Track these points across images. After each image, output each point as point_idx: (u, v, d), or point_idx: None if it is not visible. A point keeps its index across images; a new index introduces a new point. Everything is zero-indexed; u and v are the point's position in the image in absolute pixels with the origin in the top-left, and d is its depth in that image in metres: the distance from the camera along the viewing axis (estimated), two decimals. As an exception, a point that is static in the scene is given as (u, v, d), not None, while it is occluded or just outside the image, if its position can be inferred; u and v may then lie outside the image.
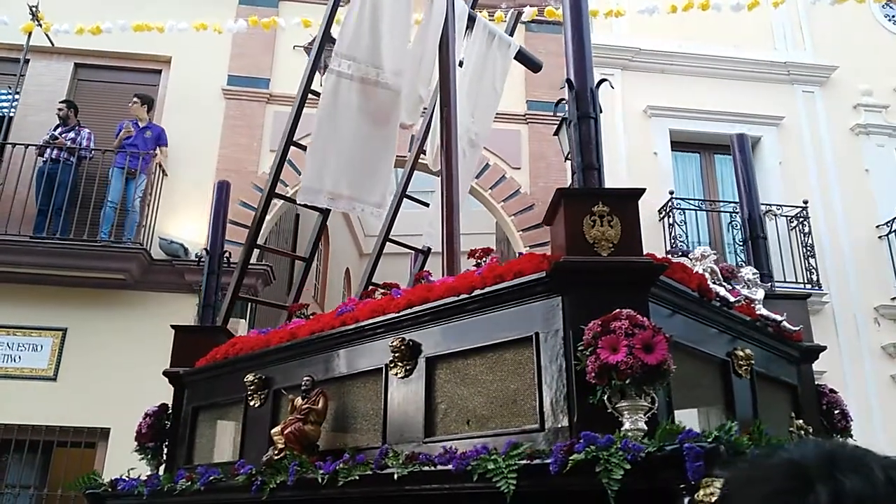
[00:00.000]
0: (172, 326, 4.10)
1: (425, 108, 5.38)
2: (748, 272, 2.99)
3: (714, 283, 2.62)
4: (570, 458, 1.77)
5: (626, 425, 1.96)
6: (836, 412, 3.28)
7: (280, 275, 8.15)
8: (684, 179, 8.52)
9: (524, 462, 1.89)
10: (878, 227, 8.10)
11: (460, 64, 4.89)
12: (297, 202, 4.16)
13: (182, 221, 7.70)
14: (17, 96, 7.89)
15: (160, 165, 7.75)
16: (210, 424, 3.80)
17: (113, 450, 6.58)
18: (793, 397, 3.17)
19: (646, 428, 1.95)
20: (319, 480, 2.44)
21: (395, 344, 2.68)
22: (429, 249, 5.59)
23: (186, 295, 7.29)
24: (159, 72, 8.57)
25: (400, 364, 2.68)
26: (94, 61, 8.52)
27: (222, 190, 4.48)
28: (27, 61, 7.97)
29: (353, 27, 4.07)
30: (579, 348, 2.09)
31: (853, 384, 6.77)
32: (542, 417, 2.19)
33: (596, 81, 2.57)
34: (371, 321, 2.86)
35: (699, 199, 8.26)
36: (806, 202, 7.76)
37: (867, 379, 6.90)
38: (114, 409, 6.56)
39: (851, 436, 3.26)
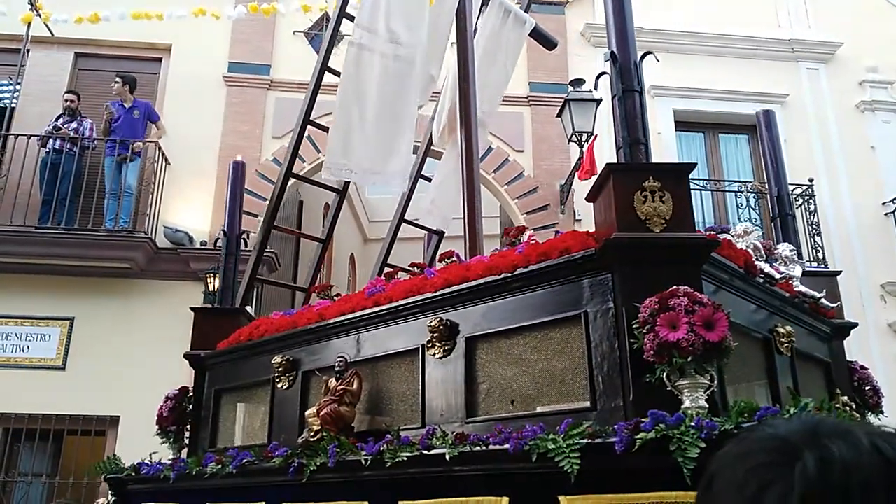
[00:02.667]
0: (192, 308, 4.05)
1: (436, 94, 5.31)
2: (785, 249, 2.97)
3: (757, 259, 2.59)
4: (637, 436, 1.74)
5: (687, 403, 1.93)
6: (868, 388, 3.29)
7: (285, 262, 8.11)
8: (688, 159, 8.48)
9: (586, 441, 1.86)
10: (884, 203, 8.07)
11: (470, 40, 4.80)
12: (321, 178, 4.10)
13: (186, 209, 7.67)
14: (18, 87, 7.85)
15: (162, 153, 7.68)
16: (233, 407, 3.76)
17: (123, 437, 6.62)
18: (826, 374, 3.17)
19: (707, 406, 1.93)
20: (363, 462, 2.40)
21: (433, 324, 2.64)
22: (443, 232, 5.54)
23: (192, 283, 7.28)
24: (160, 60, 8.51)
25: (438, 344, 2.65)
26: (94, 50, 8.47)
27: (238, 169, 4.40)
28: (27, 52, 7.91)
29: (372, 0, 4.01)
30: (634, 326, 2.06)
31: (859, 361, 6.79)
32: (594, 397, 2.16)
33: (640, 54, 2.50)
34: (406, 301, 2.82)
35: (704, 179, 8.21)
36: (811, 180, 7.73)
37: (873, 356, 6.89)
38: (123, 397, 6.64)
39: (882, 412, 3.26)
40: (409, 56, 4.33)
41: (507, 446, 1.98)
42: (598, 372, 2.17)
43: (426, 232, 5.94)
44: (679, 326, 1.93)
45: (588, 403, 2.17)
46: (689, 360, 1.91)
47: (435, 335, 2.64)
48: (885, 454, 0.53)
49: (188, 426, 3.90)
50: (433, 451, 2.22)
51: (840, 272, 3.58)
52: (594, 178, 8.03)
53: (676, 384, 1.96)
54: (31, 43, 7.89)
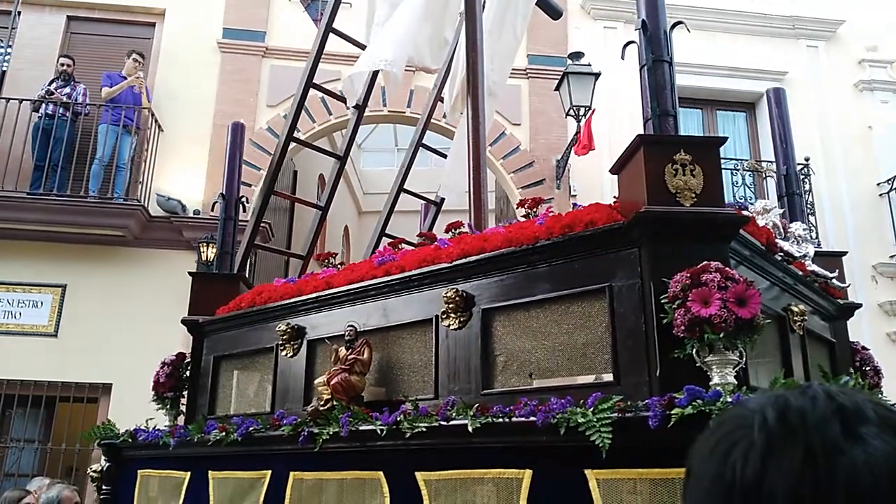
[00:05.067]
0: (190, 273, 3.97)
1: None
2: (798, 228, 2.96)
3: (777, 237, 2.58)
4: (672, 412, 1.72)
5: (715, 379, 1.92)
6: (868, 369, 3.32)
7: (279, 233, 8.06)
8: (687, 137, 8.41)
9: (616, 415, 1.84)
10: (878, 184, 8.06)
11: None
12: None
13: (178, 178, 7.61)
14: (9, 50, 7.69)
15: (155, 119, 7.65)
16: (233, 375, 3.70)
17: (115, 405, 6.61)
18: (831, 353, 3.20)
19: (735, 382, 1.92)
20: (378, 432, 2.37)
21: (448, 295, 2.60)
22: (442, 200, 5.48)
23: (185, 251, 7.25)
24: (153, 24, 8.35)
25: (454, 315, 2.61)
26: (87, 14, 8.30)
27: (237, 131, 4.28)
28: (19, 14, 7.73)
29: None
30: (662, 301, 2.03)
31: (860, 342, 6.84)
32: (618, 371, 2.14)
33: (670, 24, 2.44)
34: (420, 271, 2.77)
35: (699, 157, 8.17)
36: (808, 159, 7.71)
37: (864, 337, 6.96)
38: (115, 365, 6.66)
39: (882, 392, 3.30)
40: None
41: (533, 419, 1.96)
42: (622, 346, 2.15)
43: (423, 202, 5.88)
44: (711, 302, 1.91)
45: (611, 378, 2.15)
46: (720, 336, 1.89)
47: (450, 306, 2.60)
48: (837, 399, 0.58)
49: (184, 393, 3.84)
50: (454, 422, 2.19)
51: (846, 252, 3.59)
52: (591, 153, 7.90)
53: (705, 360, 1.94)
54: (23, 5, 7.71)
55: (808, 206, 7.42)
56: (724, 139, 2.27)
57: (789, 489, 0.54)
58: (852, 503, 0.52)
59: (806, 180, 7.53)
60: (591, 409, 1.88)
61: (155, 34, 8.29)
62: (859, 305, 3.40)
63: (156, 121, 7.62)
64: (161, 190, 7.47)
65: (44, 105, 7.31)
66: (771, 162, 7.47)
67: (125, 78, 7.51)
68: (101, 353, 6.84)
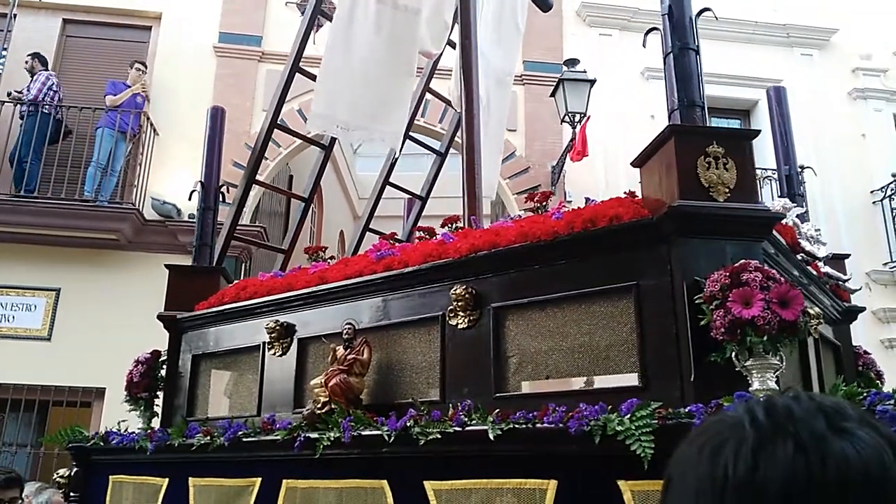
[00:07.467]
0: (167, 265, 3.72)
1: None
2: (810, 229, 2.88)
3: (799, 237, 2.49)
4: (722, 420, 1.60)
5: (755, 385, 1.81)
6: (870, 373, 3.28)
7: (274, 237, 7.91)
8: (683, 143, 8.38)
9: (656, 423, 1.71)
10: (872, 192, 8.10)
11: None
12: (307, 130, 3.84)
13: (173, 181, 7.46)
14: (4, 52, 7.53)
15: (151, 123, 7.57)
16: (214, 374, 3.48)
17: (108, 409, 6.50)
18: (835, 357, 3.14)
19: (777, 388, 1.81)
20: (385, 438, 2.20)
21: (458, 292, 2.44)
22: (427, 195, 5.32)
23: (179, 255, 7.11)
24: (149, 28, 8.27)
25: (462, 314, 2.46)
26: (83, 17, 8.20)
27: (216, 116, 4.04)
28: (14, 17, 7.52)
29: None
30: (697, 301, 1.91)
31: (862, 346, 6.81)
32: (646, 375, 2.02)
33: (696, 11, 2.33)
34: (425, 266, 2.61)
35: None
36: (802, 167, 7.71)
37: (858, 344, 6.99)
38: (108, 369, 6.48)
39: (885, 396, 3.26)
40: (411, 4, 4.06)
41: (563, 425, 1.82)
42: (650, 349, 2.03)
43: (406, 198, 5.71)
44: (753, 303, 1.79)
45: (637, 382, 2.03)
46: (763, 339, 1.78)
47: (459, 304, 2.44)
48: (817, 399, 0.61)
49: (158, 394, 3.60)
50: (472, 428, 2.04)
51: (849, 255, 3.54)
52: (585, 159, 7.81)
53: (745, 364, 1.83)
54: (18, 8, 7.52)
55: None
56: (757, 132, 2.16)
57: (783, 479, 0.55)
58: (844, 491, 0.54)
59: (800, 188, 7.54)
60: (628, 416, 1.75)
61: (151, 38, 8.19)
62: (863, 309, 3.35)
63: (151, 124, 7.50)
64: (156, 193, 7.36)
65: (19, 106, 7.24)
66: (765, 169, 7.49)
67: (129, 87, 7.45)
68: (94, 357, 6.68)
